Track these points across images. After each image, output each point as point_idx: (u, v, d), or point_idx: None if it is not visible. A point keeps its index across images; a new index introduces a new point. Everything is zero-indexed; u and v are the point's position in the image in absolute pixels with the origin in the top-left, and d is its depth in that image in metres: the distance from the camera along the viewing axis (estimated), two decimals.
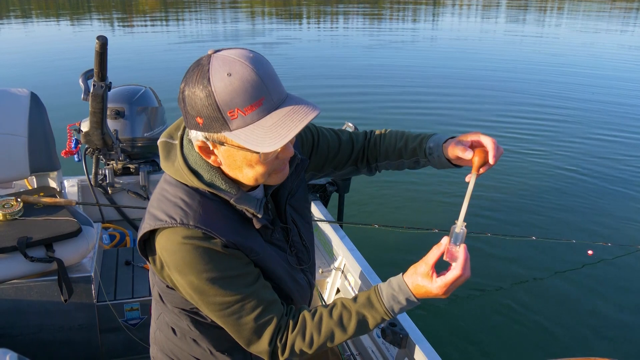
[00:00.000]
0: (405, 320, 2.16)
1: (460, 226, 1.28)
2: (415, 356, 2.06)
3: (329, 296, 2.97)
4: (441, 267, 1.31)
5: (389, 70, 13.91)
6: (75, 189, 3.60)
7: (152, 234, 1.30)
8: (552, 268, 4.67)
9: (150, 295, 2.66)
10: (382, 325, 2.16)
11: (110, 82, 3.06)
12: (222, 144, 1.20)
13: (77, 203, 2.78)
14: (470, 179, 1.38)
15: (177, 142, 1.34)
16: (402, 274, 1.34)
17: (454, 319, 3.92)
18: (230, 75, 1.11)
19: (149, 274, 1.50)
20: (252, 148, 1.14)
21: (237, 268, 1.29)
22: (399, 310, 1.33)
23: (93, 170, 3.61)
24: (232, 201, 1.29)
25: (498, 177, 6.60)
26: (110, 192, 3.73)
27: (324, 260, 3.06)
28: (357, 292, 2.68)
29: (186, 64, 1.24)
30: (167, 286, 1.38)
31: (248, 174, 1.26)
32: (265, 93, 1.14)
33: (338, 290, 2.92)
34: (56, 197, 2.74)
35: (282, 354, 1.35)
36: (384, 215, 5.42)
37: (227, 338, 1.38)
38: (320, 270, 2.96)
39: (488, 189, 6.27)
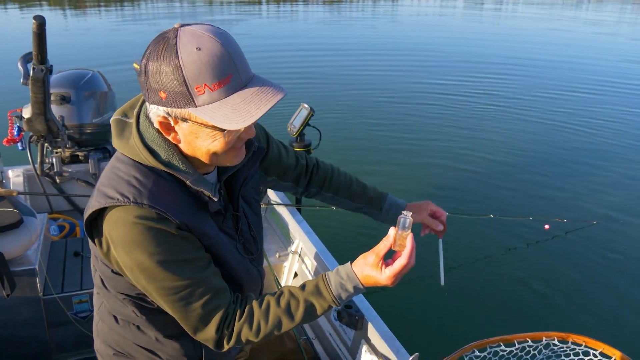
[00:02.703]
0: (360, 302, 2.14)
1: (407, 215, 1.30)
2: (371, 337, 2.05)
3: (286, 280, 2.93)
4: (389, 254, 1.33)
5: (345, 52, 13.89)
6: (21, 179, 3.45)
7: (100, 214, 1.23)
8: (510, 245, 4.73)
9: None
10: (339, 307, 2.13)
11: (51, 65, 2.92)
12: (185, 120, 1.16)
13: (18, 193, 2.65)
14: (440, 244, 1.72)
15: (132, 120, 1.28)
16: (351, 264, 1.34)
17: (409, 299, 3.93)
18: (199, 49, 1.08)
19: (91, 260, 1.42)
20: (219, 125, 1.11)
21: (189, 252, 1.24)
22: (346, 297, 1.33)
23: (39, 159, 3.47)
24: (188, 182, 1.25)
25: (456, 157, 6.67)
26: (58, 181, 3.59)
27: (281, 244, 3.02)
28: (314, 276, 2.65)
29: (139, 48, 1.19)
30: (112, 271, 1.31)
31: (208, 151, 1.21)
32: (234, 70, 1.11)
33: (296, 274, 2.89)
34: None
35: (228, 342, 1.31)
36: None
37: (175, 324, 1.33)
38: (277, 255, 2.92)
39: (446, 169, 6.32)
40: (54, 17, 21.47)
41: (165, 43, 1.10)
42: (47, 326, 2.56)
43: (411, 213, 1.31)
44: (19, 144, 3.33)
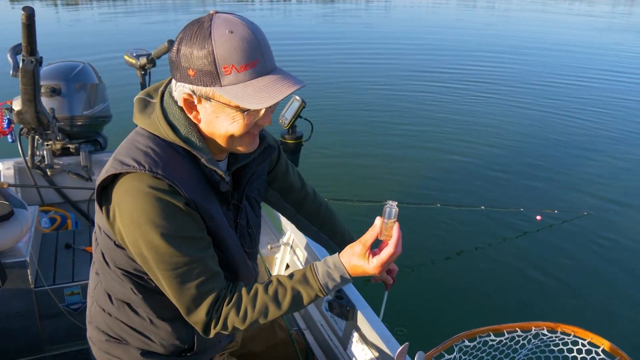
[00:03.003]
0: (352, 293, 2.15)
1: (393, 204, 1.31)
2: (362, 327, 2.06)
3: (278, 271, 2.94)
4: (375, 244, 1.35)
5: (337, 44, 13.87)
6: (12, 171, 3.42)
7: (113, 181, 1.26)
8: (501, 236, 4.77)
9: None
10: (330, 298, 2.14)
11: (41, 57, 2.90)
12: (208, 99, 1.22)
13: (9, 185, 2.64)
14: (385, 295, 1.79)
15: (156, 99, 1.34)
16: (338, 254, 1.36)
17: (401, 289, 3.95)
18: (231, 32, 1.16)
19: (93, 235, 1.45)
20: (241, 104, 1.18)
21: (193, 230, 1.28)
22: (333, 287, 1.35)
23: (29, 151, 3.44)
24: (203, 160, 1.29)
25: (447, 149, 6.69)
26: (49, 173, 3.57)
27: (272, 236, 3.02)
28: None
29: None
30: (115, 243, 1.33)
31: (226, 133, 1.27)
32: (260, 57, 1.19)
33: (287, 266, 2.89)
34: None
35: (215, 326, 1.33)
36: (334, 189, 5.42)
37: (170, 307, 1.35)
38: (269, 246, 2.92)
39: (438, 161, 6.35)
40: (44, 9, 21.30)
41: (200, 26, 1.18)
42: (39, 318, 2.56)
43: (397, 202, 1.32)
44: (9, 137, 3.30)
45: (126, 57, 3.44)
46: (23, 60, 2.84)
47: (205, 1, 27.65)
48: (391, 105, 8.64)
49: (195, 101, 1.25)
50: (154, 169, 1.22)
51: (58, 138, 3.48)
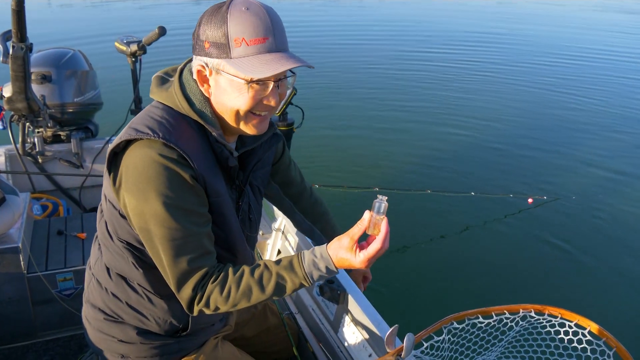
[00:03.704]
0: (343, 277, 2.17)
1: (383, 199, 1.31)
2: (352, 311, 2.08)
3: (269, 257, 2.96)
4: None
5: (328, 30, 13.82)
6: (3, 158, 3.41)
7: (124, 148, 1.29)
8: (491, 221, 4.81)
9: (84, 264, 2.58)
10: (320, 282, 2.16)
11: (31, 44, 2.89)
12: (219, 72, 1.28)
13: (0, 172, 2.64)
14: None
15: (175, 76, 1.39)
16: (326, 245, 1.37)
17: (392, 274, 4.00)
18: (247, 9, 1.24)
19: (99, 207, 1.48)
20: (245, 73, 1.23)
21: (194, 204, 1.30)
22: (318, 277, 1.36)
23: (20, 138, 3.43)
24: (214, 133, 1.34)
25: (438, 136, 6.71)
26: (40, 160, 3.56)
27: (264, 222, 3.04)
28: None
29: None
30: (120, 213, 1.36)
31: (233, 108, 1.31)
32: (271, 35, 1.25)
33: (279, 252, 2.91)
34: None
35: (198, 303, 1.35)
36: (325, 175, 5.43)
37: (167, 284, 1.37)
38: (260, 232, 2.94)
39: (428, 147, 6.36)
40: None
41: (220, 6, 1.26)
42: (32, 304, 2.57)
43: (386, 197, 1.31)
44: None
45: (117, 44, 3.43)
46: (13, 46, 2.83)
47: None
48: (382, 91, 8.65)
49: (207, 73, 1.30)
50: (168, 137, 1.26)
51: (49, 125, 3.47)
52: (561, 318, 1.69)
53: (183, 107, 1.33)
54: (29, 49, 2.88)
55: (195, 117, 1.33)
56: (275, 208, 2.95)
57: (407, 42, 12.84)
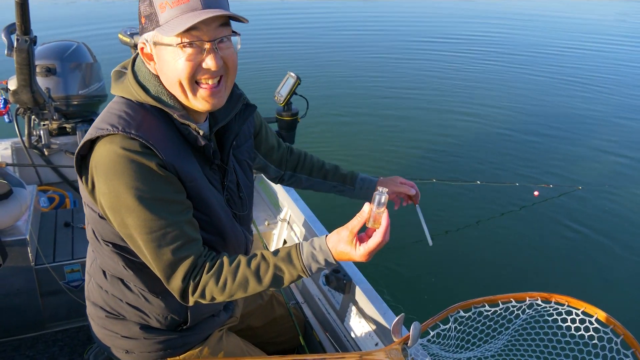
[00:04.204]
0: (348, 267, 2.17)
1: (383, 191, 1.28)
2: (359, 300, 2.09)
3: (275, 248, 2.96)
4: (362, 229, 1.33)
5: (332, 19, 13.76)
6: (9, 151, 3.43)
7: (90, 149, 1.27)
8: (497, 210, 4.80)
9: None
10: (326, 271, 2.17)
11: (36, 36, 2.89)
12: (155, 44, 1.26)
13: (7, 165, 2.65)
14: (418, 209, 1.78)
15: (129, 67, 1.37)
16: (325, 237, 1.34)
17: (398, 263, 4.00)
18: None
19: (84, 210, 1.44)
20: (165, 34, 1.21)
21: (167, 192, 1.27)
22: (316, 269, 1.33)
23: (26, 131, 3.44)
24: (175, 115, 1.30)
25: (442, 125, 6.69)
26: (46, 153, 3.57)
27: (269, 212, 3.04)
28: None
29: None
30: (99, 215, 1.34)
31: (175, 78, 1.27)
32: None
33: (285, 242, 2.92)
34: None
35: (193, 293, 1.32)
36: None
37: (160, 281, 1.35)
38: (266, 223, 2.94)
39: (433, 136, 6.34)
40: None
41: None
42: (40, 295, 2.59)
43: (387, 190, 1.29)
44: (5, 117, 3.30)
45: (120, 36, 3.42)
46: (17, 39, 2.83)
47: None
48: (387, 80, 8.61)
49: (148, 49, 1.29)
50: (127, 129, 1.23)
51: (54, 118, 3.48)
52: (568, 306, 1.69)
53: (140, 95, 1.30)
54: (33, 41, 2.88)
55: (153, 102, 1.30)
56: (280, 198, 2.97)
57: (414, 32, 12.79)
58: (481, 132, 6.59)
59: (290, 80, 3.36)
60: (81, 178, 1.31)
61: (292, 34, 11.88)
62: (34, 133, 3.50)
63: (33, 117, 3.40)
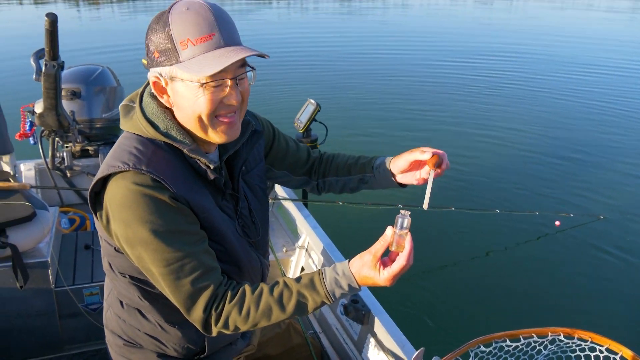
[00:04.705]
0: (367, 297, 2.16)
1: (406, 215, 1.27)
2: (377, 331, 2.07)
3: (293, 274, 2.96)
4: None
5: (353, 46, 13.87)
6: (33, 172, 3.49)
7: (103, 186, 1.28)
8: (516, 240, 4.74)
9: None
10: (345, 302, 2.16)
11: (63, 62, 2.96)
12: (172, 79, 1.25)
13: (31, 187, 2.70)
14: (429, 174, 1.47)
15: (135, 104, 1.36)
16: (348, 261, 1.33)
17: (416, 294, 3.95)
18: (187, 9, 1.20)
19: (101, 243, 1.45)
20: (193, 73, 1.19)
21: (181, 224, 1.27)
22: (340, 295, 1.32)
23: (50, 153, 3.51)
24: (185, 150, 1.30)
25: (461, 153, 6.65)
26: (69, 175, 3.63)
27: (287, 239, 3.04)
28: None
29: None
30: (115, 249, 1.35)
31: (194, 113, 1.26)
32: (216, 30, 1.21)
33: (302, 269, 2.91)
34: (9, 181, 2.65)
35: (216, 324, 1.31)
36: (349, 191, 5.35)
37: (177, 311, 1.34)
38: (284, 249, 2.95)
39: (451, 164, 6.28)
40: (65, 10, 21.55)
41: (163, 12, 1.24)
42: (59, 317, 2.61)
43: (409, 212, 1.27)
44: (30, 139, 3.37)
45: (144, 61, 3.48)
46: (46, 64, 2.90)
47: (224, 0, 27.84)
48: (405, 107, 8.61)
49: (163, 83, 1.27)
50: (138, 166, 1.24)
51: (78, 140, 3.54)
52: (591, 342, 1.66)
53: (149, 132, 1.30)
54: (61, 66, 2.95)
55: (162, 138, 1.30)
56: (298, 225, 2.97)
57: (430, 54, 12.81)
58: (500, 158, 6.55)
59: (310, 107, 3.40)
60: (96, 214, 1.32)
61: (311, 59, 11.98)
62: (57, 155, 3.56)
63: (57, 139, 3.47)
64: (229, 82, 1.24)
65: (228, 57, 1.19)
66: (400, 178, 1.56)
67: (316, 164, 1.75)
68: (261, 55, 1.26)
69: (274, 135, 1.66)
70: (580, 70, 11.39)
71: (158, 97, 1.31)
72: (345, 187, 1.76)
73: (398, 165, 1.54)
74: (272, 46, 13.19)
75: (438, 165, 1.46)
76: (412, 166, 1.55)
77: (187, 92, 1.24)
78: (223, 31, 1.21)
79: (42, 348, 2.65)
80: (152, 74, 1.28)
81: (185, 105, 1.27)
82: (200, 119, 1.27)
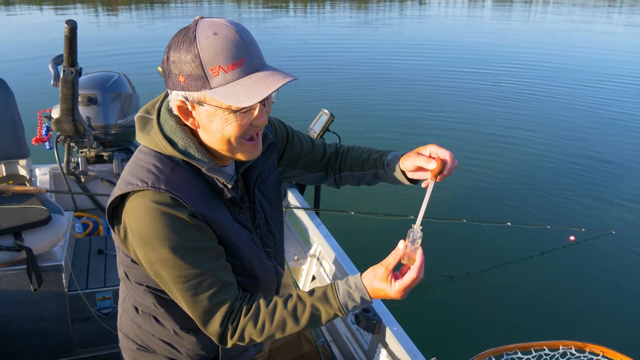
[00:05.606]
0: (378, 306, 2.16)
1: (417, 229, 1.29)
2: (388, 341, 2.07)
3: (304, 283, 2.96)
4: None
5: (368, 56, 13.89)
6: (47, 177, 3.53)
7: (121, 201, 1.29)
8: (528, 253, 4.72)
9: None
10: (356, 311, 2.16)
11: (81, 68, 3.00)
12: (201, 104, 1.22)
13: (47, 191, 2.73)
14: (429, 185, 1.41)
15: (154, 115, 1.35)
16: (360, 274, 1.34)
17: (428, 304, 3.94)
18: (216, 34, 1.16)
19: (117, 252, 1.47)
20: (231, 103, 1.17)
21: (200, 241, 1.28)
22: (352, 307, 1.34)
23: (65, 158, 3.55)
24: (204, 169, 1.30)
25: (473, 164, 6.65)
26: (83, 180, 3.67)
27: (299, 248, 3.05)
28: (332, 279, 2.68)
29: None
30: (132, 260, 1.36)
31: (223, 137, 1.26)
32: (247, 55, 1.19)
33: (314, 278, 2.91)
34: (26, 185, 2.68)
35: (232, 337, 1.34)
36: (360, 202, 5.42)
37: (191, 318, 1.36)
38: (295, 258, 2.95)
39: (463, 176, 6.30)
40: (84, 16, 21.82)
41: (186, 32, 1.19)
42: (71, 321, 2.63)
43: (421, 227, 1.29)
44: (46, 143, 3.42)
45: (160, 69, 3.52)
46: (64, 70, 2.94)
47: (240, 7, 28.03)
48: (420, 118, 8.62)
49: (189, 107, 1.25)
50: (157, 185, 1.25)
51: (93, 146, 3.58)
52: (603, 356, 1.66)
53: (167, 149, 1.30)
54: (79, 73, 2.99)
55: (180, 156, 1.30)
56: (310, 234, 2.98)
57: (444, 64, 12.82)
58: (512, 172, 6.53)
59: (323, 117, 3.41)
60: (113, 228, 1.34)
61: (328, 69, 12.02)
62: (72, 160, 3.61)
63: (72, 144, 3.51)
64: (258, 105, 1.24)
65: (264, 86, 1.18)
66: (411, 175, 1.55)
67: (332, 159, 1.75)
68: (294, 79, 1.24)
69: (287, 137, 1.66)
70: (595, 82, 11.35)
71: (182, 119, 1.29)
72: (362, 181, 1.75)
73: (406, 166, 1.53)
74: (287, 54, 13.26)
75: (440, 172, 1.41)
76: (418, 169, 1.52)
77: (217, 117, 1.23)
78: (253, 54, 1.20)
79: (54, 351, 2.67)
80: (177, 97, 1.24)
81: (214, 129, 1.26)
82: (229, 141, 1.27)
